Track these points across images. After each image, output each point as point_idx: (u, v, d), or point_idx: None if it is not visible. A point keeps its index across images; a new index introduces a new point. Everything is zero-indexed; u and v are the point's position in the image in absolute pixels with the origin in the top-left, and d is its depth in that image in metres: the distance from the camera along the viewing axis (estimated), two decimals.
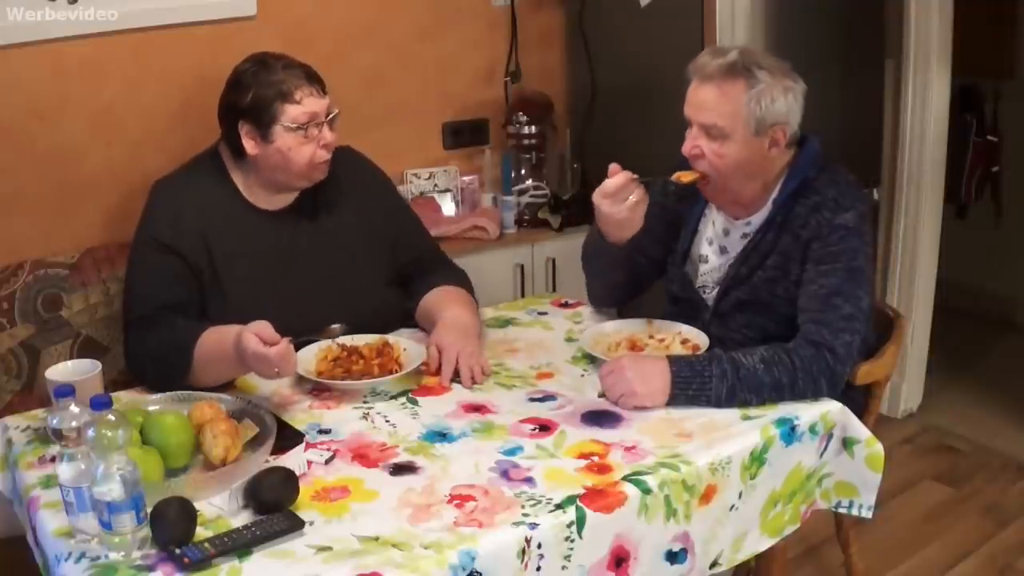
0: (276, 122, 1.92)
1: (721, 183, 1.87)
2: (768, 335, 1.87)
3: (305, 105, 1.92)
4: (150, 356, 1.86)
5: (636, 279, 2.11)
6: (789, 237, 1.86)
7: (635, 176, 1.86)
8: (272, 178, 2.01)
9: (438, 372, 1.87)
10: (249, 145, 1.96)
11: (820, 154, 1.90)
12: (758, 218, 1.92)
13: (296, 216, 2.06)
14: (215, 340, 1.80)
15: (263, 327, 1.68)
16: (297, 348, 1.84)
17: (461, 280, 2.18)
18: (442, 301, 2.07)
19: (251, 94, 1.93)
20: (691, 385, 1.70)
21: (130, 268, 2.02)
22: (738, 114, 1.78)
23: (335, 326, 1.84)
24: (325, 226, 2.08)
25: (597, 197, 1.89)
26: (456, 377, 1.86)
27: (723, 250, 1.99)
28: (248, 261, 2.01)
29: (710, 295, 2.00)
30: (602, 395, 1.79)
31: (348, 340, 1.93)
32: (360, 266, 2.11)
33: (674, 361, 1.73)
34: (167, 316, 1.90)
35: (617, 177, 1.86)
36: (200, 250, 1.98)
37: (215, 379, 1.82)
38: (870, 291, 1.86)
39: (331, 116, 1.98)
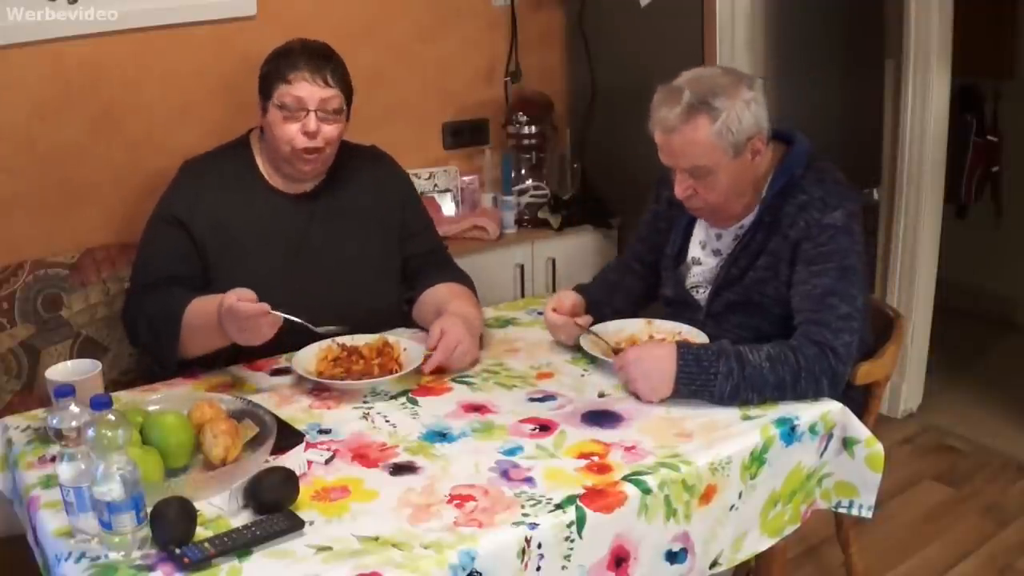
0: (270, 98, 2.00)
1: (719, 210, 1.90)
2: (761, 335, 1.87)
3: (295, 88, 1.97)
4: (145, 320, 1.96)
5: (645, 287, 2.18)
6: (778, 237, 1.86)
7: (578, 322, 1.97)
8: (272, 156, 2.07)
9: (433, 349, 1.88)
10: (259, 116, 2.06)
11: (808, 152, 1.89)
12: (749, 219, 1.92)
13: (314, 202, 2.11)
14: (201, 307, 1.87)
15: (245, 291, 1.74)
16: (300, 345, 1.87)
17: (466, 281, 2.19)
18: (451, 297, 2.09)
19: (266, 70, 2.03)
20: (695, 381, 1.70)
21: (143, 237, 2.10)
22: (714, 148, 1.78)
23: (334, 328, 1.87)
24: (341, 215, 2.12)
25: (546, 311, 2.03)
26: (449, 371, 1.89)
27: (716, 252, 1.99)
28: (262, 242, 2.06)
29: (702, 296, 2.01)
30: (602, 395, 1.79)
31: (348, 340, 1.93)
32: (371, 257, 2.14)
33: (683, 354, 1.73)
34: (166, 286, 1.98)
35: (556, 317, 1.99)
36: (212, 228, 2.03)
37: (201, 347, 1.90)
38: (864, 289, 1.86)
39: (325, 109, 2.00)
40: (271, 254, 2.06)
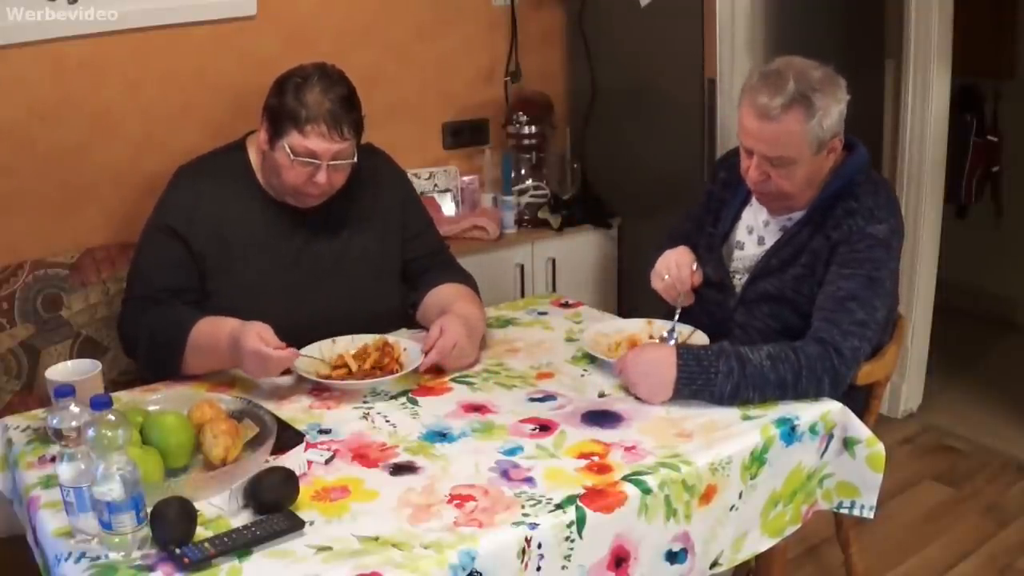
0: (281, 138, 1.93)
1: (785, 198, 1.91)
2: (789, 327, 1.89)
3: (309, 141, 1.91)
4: (144, 335, 1.92)
5: None
6: (821, 237, 1.88)
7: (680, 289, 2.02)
8: (273, 181, 2.03)
9: (430, 348, 1.88)
10: (262, 139, 1.99)
11: (868, 163, 1.92)
12: (799, 214, 1.94)
13: (312, 209, 2.06)
14: (209, 330, 1.85)
15: (265, 329, 1.74)
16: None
17: (469, 282, 2.19)
18: (455, 297, 2.09)
19: (279, 101, 1.94)
20: (695, 381, 1.70)
21: (138, 247, 2.07)
22: (803, 142, 1.81)
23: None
24: (340, 218, 2.09)
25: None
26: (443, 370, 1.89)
27: (761, 240, 2.01)
28: (261, 251, 2.03)
29: (739, 282, 2.02)
30: (602, 395, 1.79)
31: (349, 340, 1.94)
32: (372, 259, 2.13)
33: (682, 354, 1.73)
34: (165, 299, 1.95)
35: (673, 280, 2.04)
36: (211, 238, 2.00)
37: (202, 368, 1.88)
38: (890, 305, 1.88)
39: (336, 162, 1.95)
40: (270, 263, 2.03)
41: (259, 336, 1.73)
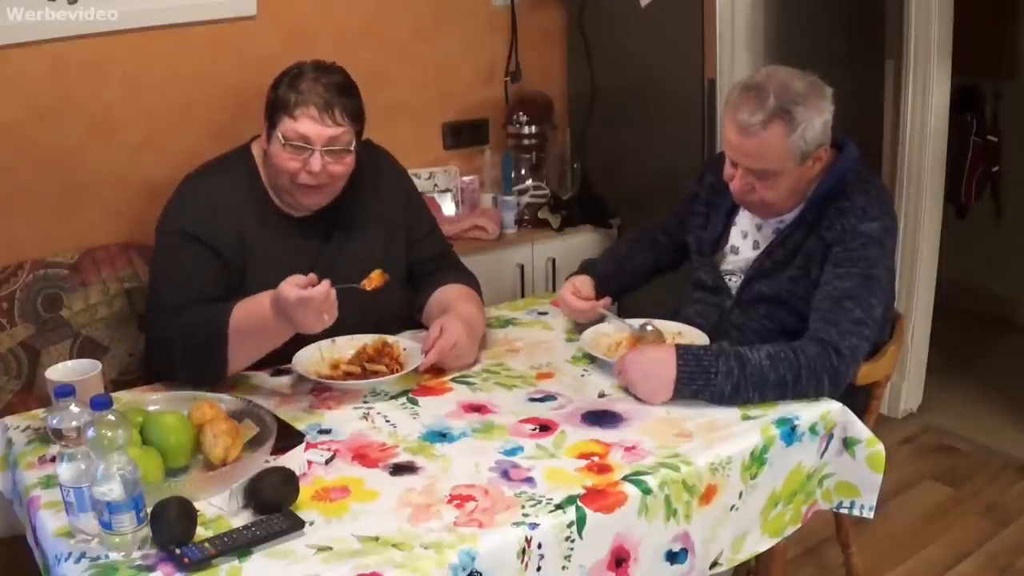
0: (275, 128, 1.92)
1: (770, 206, 1.92)
2: (786, 328, 1.90)
3: (299, 125, 1.88)
4: (181, 342, 1.82)
5: (657, 263, 2.24)
6: (814, 238, 1.88)
7: (599, 307, 2.07)
8: (272, 182, 2.01)
9: (430, 348, 1.87)
10: (263, 138, 1.98)
11: (858, 161, 1.92)
12: (791, 215, 1.94)
13: (319, 218, 2.04)
14: (248, 310, 1.78)
15: (298, 278, 1.69)
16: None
17: (472, 283, 2.18)
18: (456, 297, 2.08)
19: (275, 95, 1.93)
20: (695, 381, 1.70)
21: (158, 259, 2.00)
22: (784, 155, 1.81)
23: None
24: (347, 225, 2.07)
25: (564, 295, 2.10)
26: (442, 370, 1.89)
27: (755, 244, 2.01)
28: (276, 260, 1.99)
29: (734, 284, 2.03)
30: (602, 395, 1.79)
31: (348, 340, 1.94)
32: (377, 261, 2.09)
33: (682, 354, 1.73)
34: (199, 305, 1.86)
35: (581, 303, 2.07)
36: (236, 246, 1.96)
37: (249, 355, 1.82)
38: (887, 303, 1.88)
39: (332, 147, 1.91)
40: (290, 271, 2.00)
41: (295, 284, 1.68)
